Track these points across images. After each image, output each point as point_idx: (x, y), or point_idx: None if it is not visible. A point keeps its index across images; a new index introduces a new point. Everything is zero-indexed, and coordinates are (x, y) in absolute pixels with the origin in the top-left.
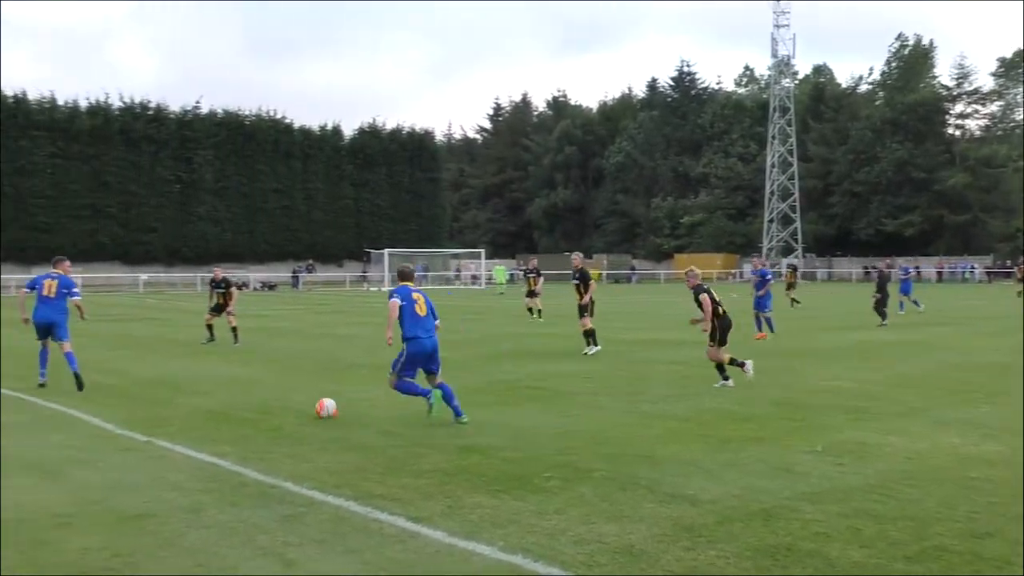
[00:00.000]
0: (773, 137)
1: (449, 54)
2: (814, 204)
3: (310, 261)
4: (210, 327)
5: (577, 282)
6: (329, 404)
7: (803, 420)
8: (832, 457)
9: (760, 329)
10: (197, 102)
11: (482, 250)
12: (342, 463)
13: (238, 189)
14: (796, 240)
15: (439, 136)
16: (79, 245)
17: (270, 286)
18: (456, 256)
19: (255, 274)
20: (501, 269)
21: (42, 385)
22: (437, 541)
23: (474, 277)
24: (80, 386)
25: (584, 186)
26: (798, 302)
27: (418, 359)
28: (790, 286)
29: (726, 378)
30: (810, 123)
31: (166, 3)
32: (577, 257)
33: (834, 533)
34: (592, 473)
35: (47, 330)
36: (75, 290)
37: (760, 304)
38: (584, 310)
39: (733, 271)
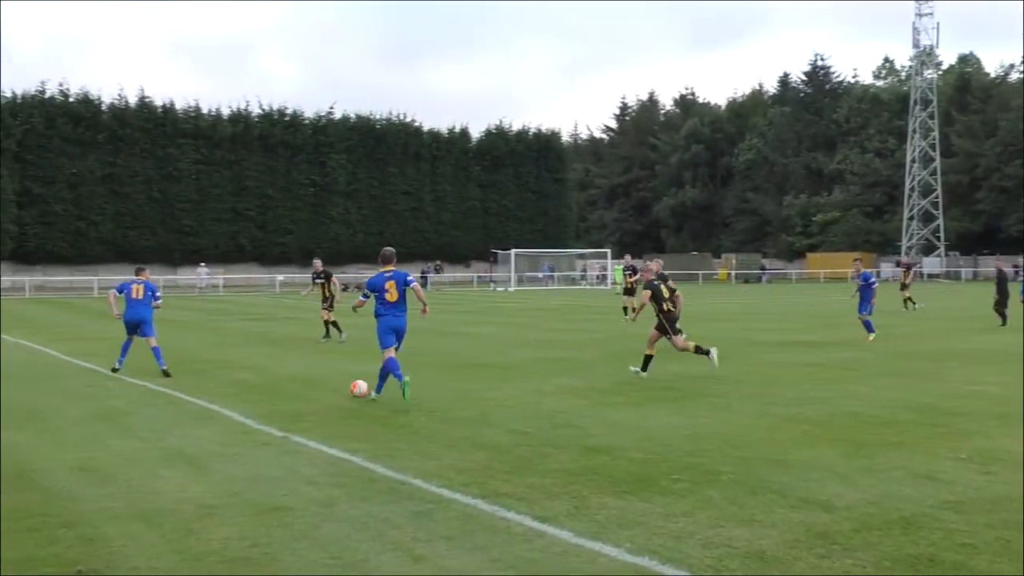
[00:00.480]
0: (914, 131)
1: (577, 54)
2: (958, 200)
3: (438, 262)
4: (328, 324)
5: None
6: (362, 385)
7: (945, 426)
8: (978, 465)
9: (870, 331)
10: (331, 108)
11: (608, 250)
12: (470, 461)
13: (369, 191)
14: (938, 238)
15: (565, 136)
16: (220, 247)
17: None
18: (582, 256)
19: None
20: (620, 269)
21: (115, 370)
22: (563, 541)
23: (600, 276)
24: (166, 374)
25: (712, 184)
26: (913, 303)
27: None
28: (904, 286)
29: (644, 368)
30: (954, 115)
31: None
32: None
33: (981, 544)
34: (721, 476)
35: (135, 327)
36: (158, 294)
37: (859, 307)
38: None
39: (869, 271)
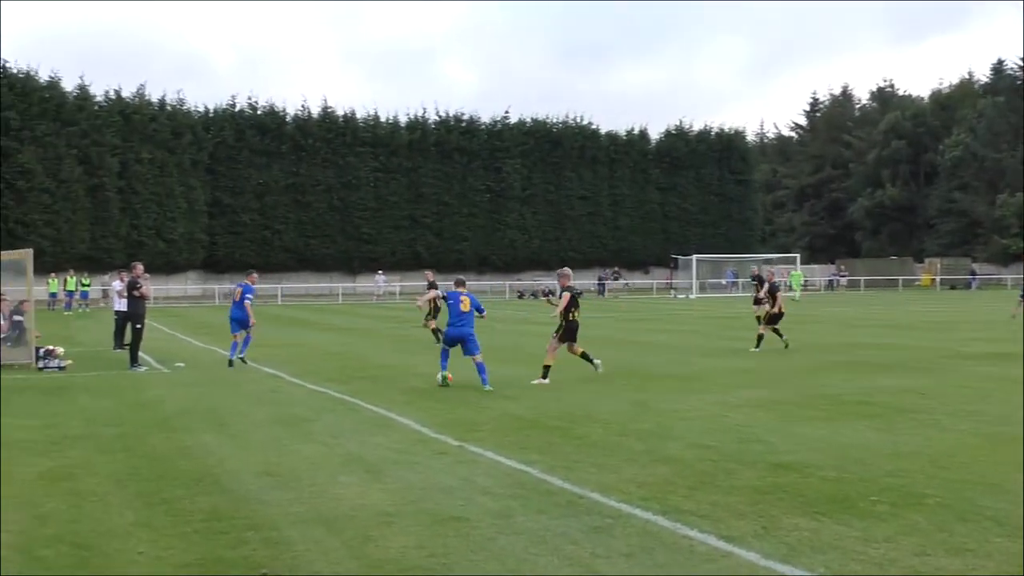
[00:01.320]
0: None
1: (762, 51)
2: None
3: (616, 268)
4: (435, 332)
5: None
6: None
7: None
8: None
9: None
10: (506, 112)
11: (797, 255)
12: (650, 476)
13: (545, 196)
14: None
15: (750, 135)
16: (397, 254)
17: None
18: (768, 261)
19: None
20: (797, 275)
21: (231, 363)
22: (751, 563)
23: (806, 283)
24: (231, 364)
25: (914, 183)
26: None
27: (453, 340)
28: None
29: (544, 377)
30: None
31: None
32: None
33: None
34: (926, 499)
35: (235, 324)
36: (248, 296)
37: None
38: (775, 319)
39: None
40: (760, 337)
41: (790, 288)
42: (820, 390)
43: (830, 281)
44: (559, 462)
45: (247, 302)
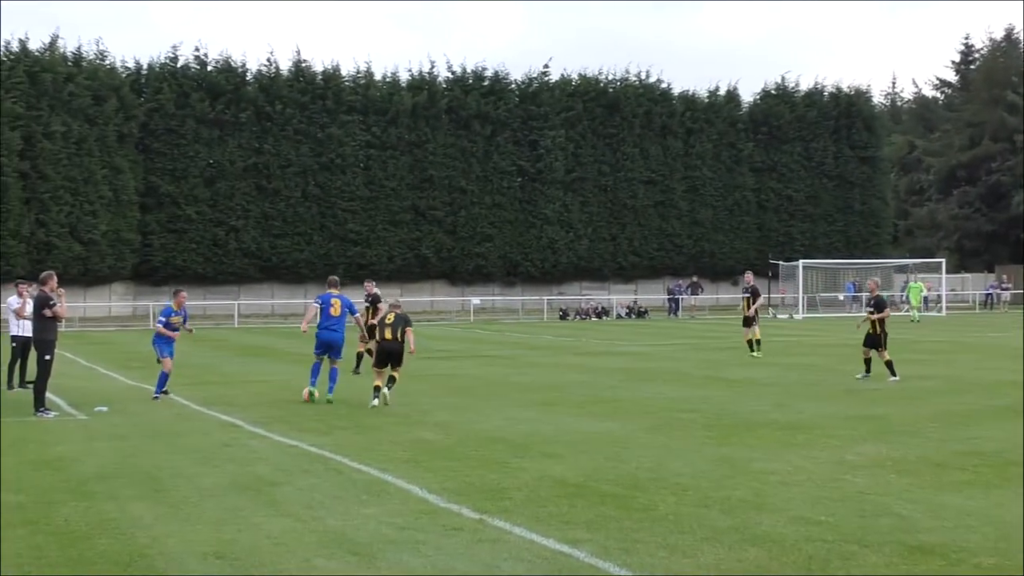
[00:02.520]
0: None
1: None
2: None
3: (694, 278)
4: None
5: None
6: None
7: None
8: None
9: None
10: (545, 66)
11: (942, 260)
12: (738, 561)
13: (597, 181)
14: None
15: (877, 96)
16: (396, 260)
17: (639, 312)
18: (903, 268)
19: (619, 297)
20: (916, 287)
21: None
22: None
23: (926, 299)
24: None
25: None
26: None
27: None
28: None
29: (376, 395)
30: None
31: None
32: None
33: None
34: None
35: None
36: (160, 319)
37: None
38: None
39: None
40: (868, 362)
41: (906, 303)
42: (974, 445)
43: (988, 295)
44: (615, 542)
45: (160, 325)
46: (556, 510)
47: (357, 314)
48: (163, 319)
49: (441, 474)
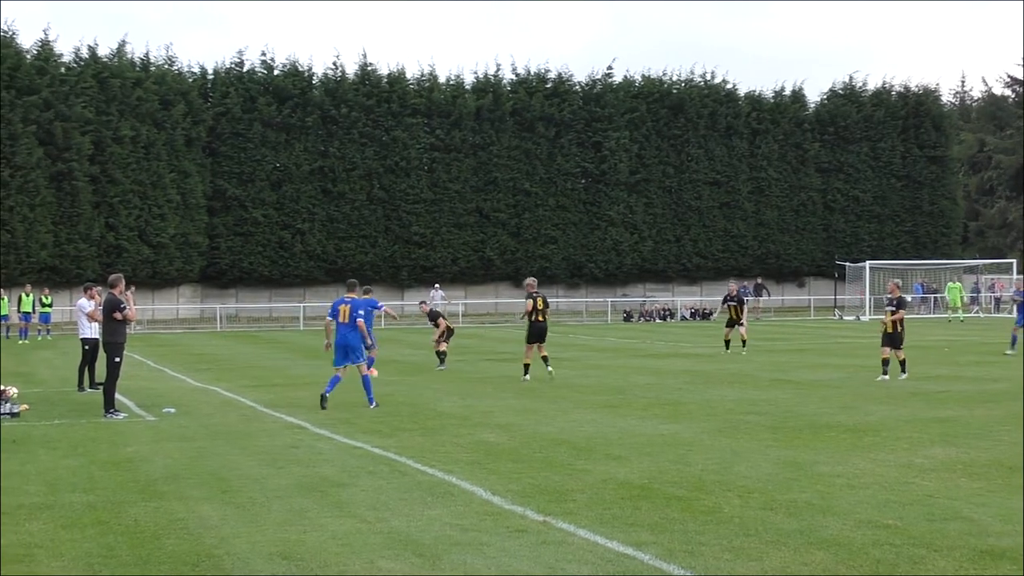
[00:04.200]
0: None
1: None
2: None
3: (759, 279)
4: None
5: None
6: None
7: None
8: None
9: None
10: (609, 67)
11: (1013, 260)
12: (804, 565)
13: (661, 182)
14: None
15: (946, 95)
16: (460, 262)
17: (704, 314)
18: (972, 270)
19: (683, 299)
20: (957, 287)
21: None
22: None
23: (999, 300)
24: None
25: None
26: None
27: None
28: None
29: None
30: None
31: None
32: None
33: None
34: None
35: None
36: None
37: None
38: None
39: None
40: (886, 362)
41: (951, 307)
42: None
43: None
44: (679, 545)
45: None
46: (620, 512)
47: (382, 308)
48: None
49: (505, 476)
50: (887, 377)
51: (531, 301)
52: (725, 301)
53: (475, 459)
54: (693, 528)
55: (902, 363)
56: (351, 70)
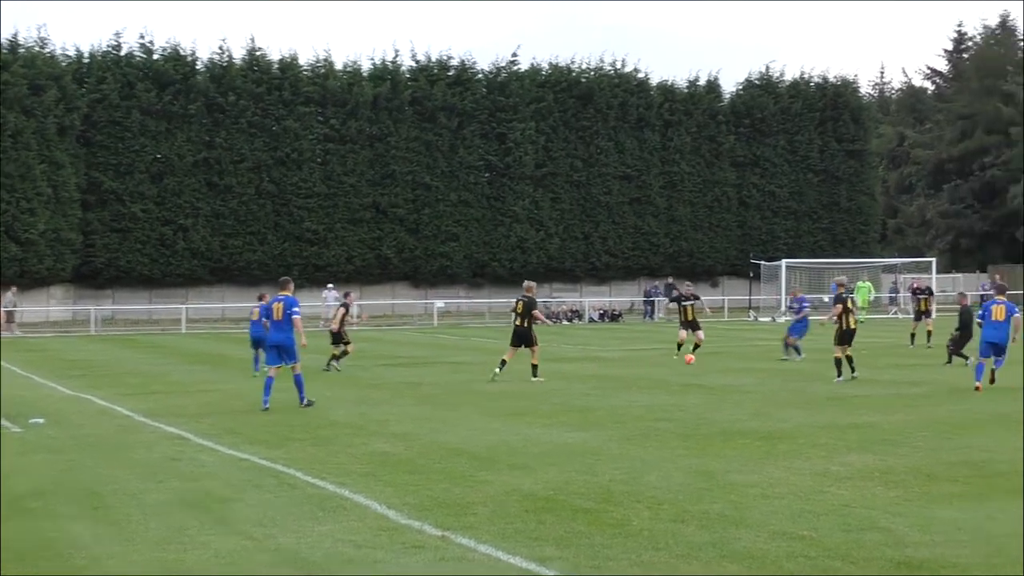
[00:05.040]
0: None
1: None
2: None
3: (669, 279)
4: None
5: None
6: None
7: None
8: None
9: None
10: (514, 55)
11: (933, 259)
12: None
13: (569, 176)
14: None
15: (865, 87)
16: (356, 261)
17: (613, 315)
18: (891, 268)
19: (591, 299)
20: (866, 286)
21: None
22: None
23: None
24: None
25: None
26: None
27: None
28: (921, 314)
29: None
30: None
31: None
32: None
33: None
34: None
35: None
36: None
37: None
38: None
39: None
40: (840, 362)
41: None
42: (965, 455)
43: (981, 297)
44: (586, 560)
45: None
46: (524, 526)
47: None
48: None
49: (401, 489)
50: (843, 378)
51: (514, 302)
52: (678, 301)
53: (370, 470)
54: (600, 542)
55: (849, 360)
56: (238, 55)
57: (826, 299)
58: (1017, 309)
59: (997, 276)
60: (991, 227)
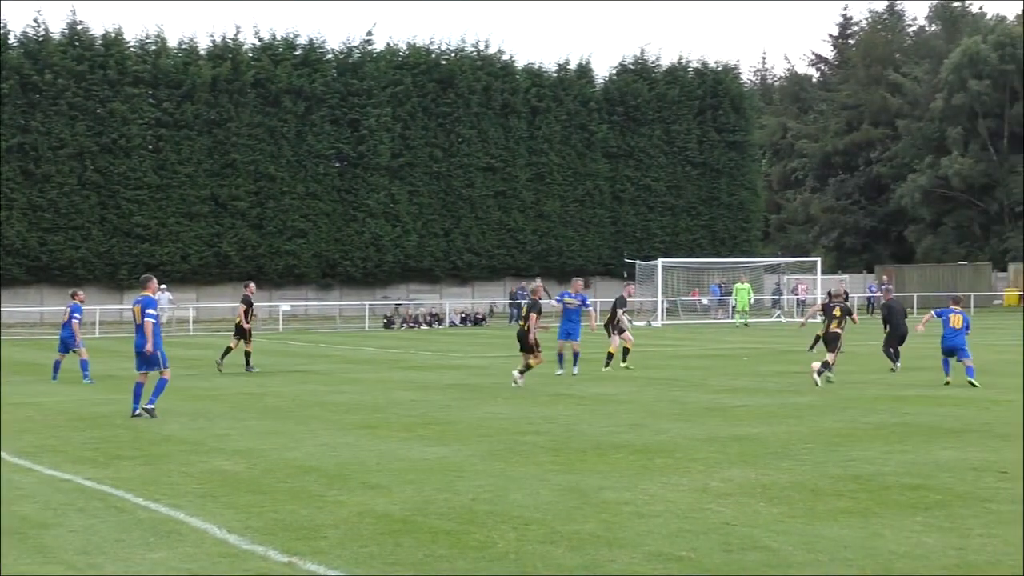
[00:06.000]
0: None
1: None
2: None
3: (537, 280)
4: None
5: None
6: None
7: None
8: None
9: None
10: (368, 33)
11: (818, 259)
12: None
13: (428, 167)
14: None
15: (747, 74)
16: (192, 259)
17: (476, 319)
18: (774, 269)
19: (453, 302)
20: (745, 288)
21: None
22: None
23: (804, 302)
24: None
25: (995, 149)
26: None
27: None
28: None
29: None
30: None
31: None
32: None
33: None
34: None
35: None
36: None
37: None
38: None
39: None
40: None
41: (735, 308)
42: (851, 468)
43: (869, 299)
44: None
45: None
46: (378, 550)
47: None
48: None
49: (244, 511)
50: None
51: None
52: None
53: (208, 491)
54: (463, 566)
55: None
56: (56, 28)
57: (705, 301)
58: (969, 318)
59: (885, 276)
60: (878, 224)
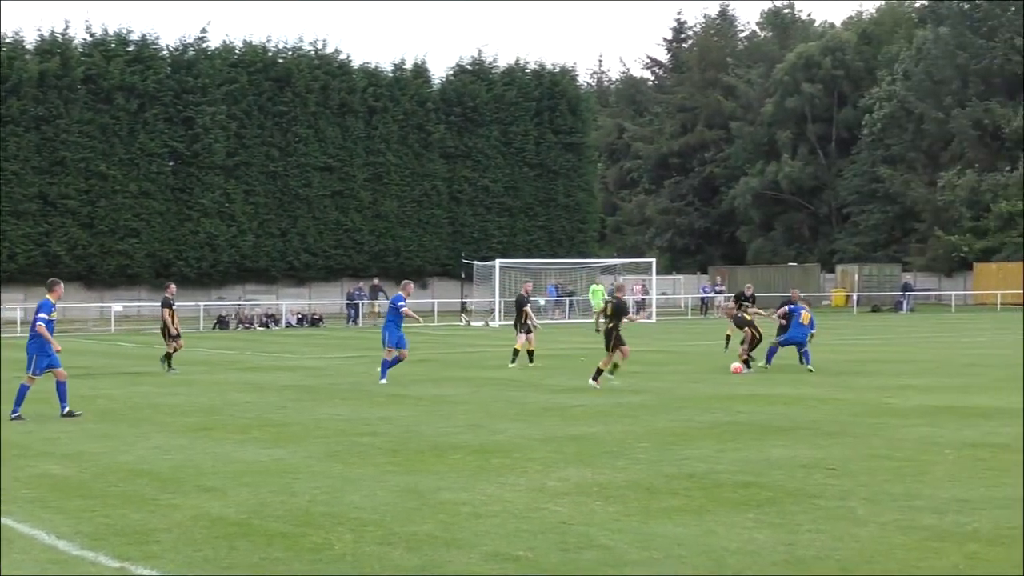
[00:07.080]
0: None
1: None
2: None
3: (375, 280)
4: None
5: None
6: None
7: None
8: None
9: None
10: (203, 30)
11: (653, 260)
12: None
13: (264, 167)
14: None
15: (584, 76)
16: (19, 258)
17: (313, 320)
18: (610, 270)
19: (289, 302)
20: (600, 290)
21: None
22: None
23: (640, 303)
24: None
25: (824, 153)
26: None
27: None
28: (747, 321)
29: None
30: None
31: None
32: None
33: None
34: None
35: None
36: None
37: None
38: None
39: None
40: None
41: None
42: (685, 466)
43: (702, 300)
44: None
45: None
46: (213, 554)
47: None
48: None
49: (74, 516)
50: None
51: None
52: (521, 305)
53: (36, 496)
54: (299, 568)
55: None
56: None
57: (542, 302)
58: (816, 320)
59: (719, 277)
60: (711, 225)
